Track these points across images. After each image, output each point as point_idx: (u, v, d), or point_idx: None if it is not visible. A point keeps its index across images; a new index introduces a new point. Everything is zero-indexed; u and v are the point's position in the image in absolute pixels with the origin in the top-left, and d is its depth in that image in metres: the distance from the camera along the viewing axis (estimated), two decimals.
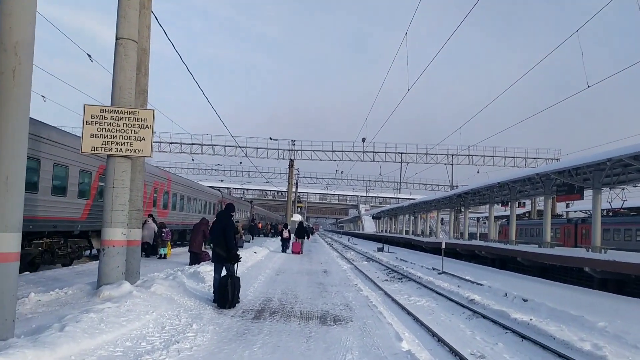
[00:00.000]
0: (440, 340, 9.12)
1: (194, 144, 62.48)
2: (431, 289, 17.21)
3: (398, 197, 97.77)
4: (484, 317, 11.87)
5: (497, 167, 62.37)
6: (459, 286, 18.42)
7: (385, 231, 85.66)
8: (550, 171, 27.19)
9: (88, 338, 5.77)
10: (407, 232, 69.70)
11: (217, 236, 9.84)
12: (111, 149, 9.04)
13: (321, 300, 11.06)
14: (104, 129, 9.00)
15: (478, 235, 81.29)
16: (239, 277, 9.89)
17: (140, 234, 10.07)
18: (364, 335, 7.65)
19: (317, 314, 9.20)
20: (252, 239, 45.20)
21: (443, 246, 23.91)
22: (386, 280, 20.54)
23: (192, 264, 17.47)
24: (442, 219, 78.17)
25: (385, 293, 15.32)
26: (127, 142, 9.11)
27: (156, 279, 10.11)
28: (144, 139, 9.20)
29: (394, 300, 14.00)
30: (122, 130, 9.08)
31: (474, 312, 12.53)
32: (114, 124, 9.03)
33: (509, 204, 36.21)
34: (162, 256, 20.06)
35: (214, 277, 10.00)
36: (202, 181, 63.77)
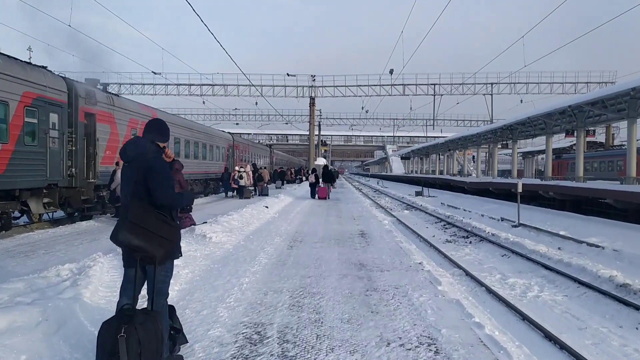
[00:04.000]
0: None
1: (204, 85, 56.25)
2: (524, 257, 11.32)
3: (428, 135, 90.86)
4: None
5: (543, 95, 54.95)
6: (559, 248, 12.50)
7: (415, 172, 79.45)
8: None
9: None
10: (440, 172, 63.34)
11: (131, 192, 3.99)
12: None
13: (373, 328, 5.21)
14: None
15: (516, 173, 74.24)
16: (172, 307, 4.19)
17: None
18: None
19: None
20: (283, 185, 40.70)
21: (519, 189, 17.74)
22: (449, 241, 14.64)
23: None
24: (473, 157, 71.36)
25: (475, 280, 9.34)
26: None
27: None
28: None
29: (497, 296, 8.03)
30: None
31: None
32: None
33: (575, 132, 29.58)
34: None
35: (118, 302, 4.18)
36: (215, 126, 58.10)
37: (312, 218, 16.68)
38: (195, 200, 25.37)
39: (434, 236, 15.52)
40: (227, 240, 10.67)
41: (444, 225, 18.46)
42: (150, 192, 3.97)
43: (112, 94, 18.01)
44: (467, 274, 9.37)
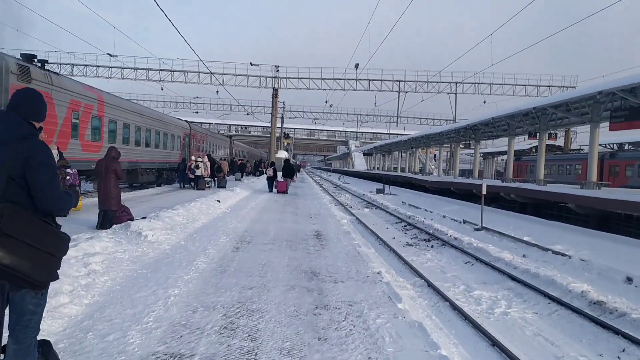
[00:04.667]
0: None
1: (162, 70, 54.14)
2: (489, 265, 10.61)
3: (391, 132, 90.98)
4: None
5: (506, 97, 55.53)
6: (524, 256, 11.90)
7: (377, 169, 79.23)
8: (616, 88, 20.20)
9: None
10: (402, 170, 63.17)
11: (1, 191, 2.87)
12: None
13: None
14: None
15: (477, 173, 74.74)
16: (47, 343, 3.12)
17: None
18: None
19: None
20: (242, 177, 39.56)
21: (484, 191, 17.12)
22: (409, 244, 13.84)
23: (102, 228, 10.66)
24: (435, 155, 71.63)
25: (438, 292, 8.45)
26: None
27: None
28: None
29: (462, 314, 7.14)
30: None
31: None
32: None
33: (538, 135, 29.43)
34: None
35: None
36: (173, 114, 56.13)
37: (265, 215, 15.61)
38: (145, 190, 23.97)
39: (394, 238, 14.72)
40: (165, 240, 9.50)
41: (405, 226, 17.72)
42: (30, 192, 2.89)
43: (51, 71, 16.40)
44: (430, 284, 8.53)
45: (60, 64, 53.25)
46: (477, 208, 23.97)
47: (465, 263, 11.13)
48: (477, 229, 16.06)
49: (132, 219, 11.09)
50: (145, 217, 11.25)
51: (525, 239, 13.87)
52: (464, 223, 17.59)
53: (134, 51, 79.41)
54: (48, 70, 16.24)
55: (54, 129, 15.89)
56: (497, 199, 26.83)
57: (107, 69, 53.79)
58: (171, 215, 11.88)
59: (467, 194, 30.17)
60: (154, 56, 76.34)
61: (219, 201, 17.16)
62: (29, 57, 15.53)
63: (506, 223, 17.55)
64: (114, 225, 10.40)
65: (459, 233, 14.97)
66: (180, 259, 8.01)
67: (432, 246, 13.51)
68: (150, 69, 53.90)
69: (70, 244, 7.43)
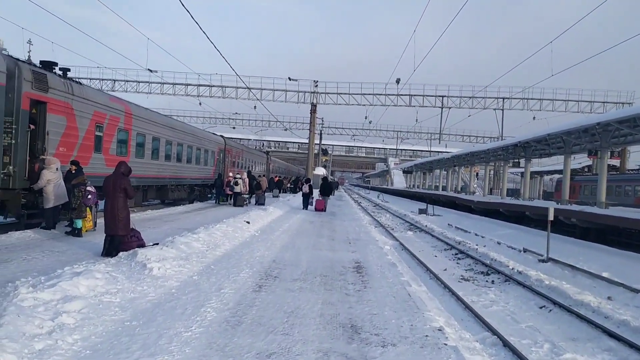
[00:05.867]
0: None
1: (201, 85, 53.71)
2: (571, 312, 8.55)
3: (432, 150, 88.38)
4: None
5: (557, 113, 52.28)
6: (609, 298, 9.78)
7: (417, 187, 76.61)
8: None
9: None
10: (443, 188, 60.50)
11: None
12: None
13: None
14: None
15: (528, 194, 70.86)
16: None
17: None
18: None
19: None
20: (279, 193, 39.01)
21: (551, 216, 14.94)
22: (465, 279, 11.78)
23: (107, 255, 9.20)
24: (477, 174, 68.66)
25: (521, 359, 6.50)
26: None
27: None
28: None
29: None
30: None
31: None
32: None
33: (598, 153, 26.73)
34: (76, 232, 11.66)
35: None
36: (211, 129, 55.55)
37: (299, 239, 13.87)
38: (174, 208, 22.71)
39: (445, 270, 12.71)
40: (174, 273, 7.87)
41: (456, 254, 15.65)
42: None
43: (73, 80, 15.28)
44: (505, 344, 6.56)
45: (102, 79, 53.67)
46: (533, 233, 21.65)
47: (540, 308, 9.07)
48: (543, 260, 13.88)
49: (142, 245, 9.58)
50: (157, 244, 9.70)
51: (604, 274, 11.66)
52: (525, 252, 15.40)
53: (172, 67, 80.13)
54: (69, 78, 15.12)
55: (75, 142, 14.70)
56: (553, 223, 24.30)
57: (147, 84, 53.83)
58: (189, 240, 10.29)
59: (518, 217, 27.75)
60: (193, 71, 76.27)
61: (248, 222, 15.57)
62: (48, 65, 14.44)
63: (574, 253, 15.29)
64: (121, 253, 8.90)
65: (521, 265, 12.88)
66: (185, 302, 6.34)
67: (492, 282, 11.45)
68: (189, 84, 53.59)
69: (49, 282, 5.87)
